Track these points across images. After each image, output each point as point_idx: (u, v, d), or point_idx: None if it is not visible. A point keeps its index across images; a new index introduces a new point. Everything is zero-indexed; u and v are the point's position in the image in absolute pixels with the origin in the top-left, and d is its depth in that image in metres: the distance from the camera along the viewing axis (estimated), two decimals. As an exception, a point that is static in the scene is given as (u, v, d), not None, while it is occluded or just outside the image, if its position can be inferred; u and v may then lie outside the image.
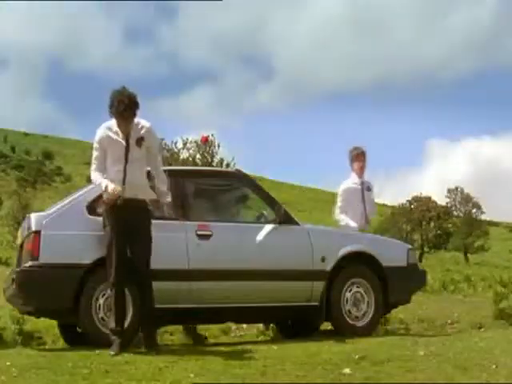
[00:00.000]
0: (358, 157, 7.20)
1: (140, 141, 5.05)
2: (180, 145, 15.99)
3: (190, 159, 15.22)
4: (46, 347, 6.68)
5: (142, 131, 5.08)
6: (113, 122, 5.08)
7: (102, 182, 5.01)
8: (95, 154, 5.13)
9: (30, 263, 5.26)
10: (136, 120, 5.08)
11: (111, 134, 5.05)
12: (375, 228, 33.33)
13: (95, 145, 5.14)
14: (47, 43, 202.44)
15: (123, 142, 5.02)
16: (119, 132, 5.04)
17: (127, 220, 4.99)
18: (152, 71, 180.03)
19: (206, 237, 5.68)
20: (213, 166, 14.33)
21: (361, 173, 7.18)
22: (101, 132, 5.11)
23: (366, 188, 7.18)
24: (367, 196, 7.18)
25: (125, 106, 4.90)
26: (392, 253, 6.46)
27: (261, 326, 7.63)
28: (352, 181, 7.19)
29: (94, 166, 5.13)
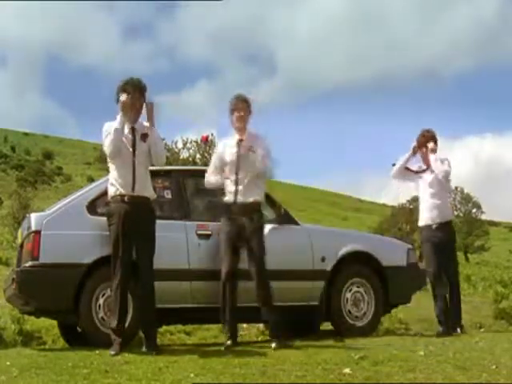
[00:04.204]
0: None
1: (144, 136, 5.09)
2: (180, 145, 16.06)
3: (190, 159, 15.26)
4: (46, 347, 6.68)
5: (146, 129, 5.13)
6: (117, 122, 5.12)
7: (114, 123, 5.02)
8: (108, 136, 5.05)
9: (30, 263, 5.26)
10: (140, 120, 5.15)
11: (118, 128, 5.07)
12: (375, 228, 33.33)
13: (106, 132, 5.07)
14: (46, 40, 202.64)
15: (130, 136, 5.06)
16: (126, 129, 5.08)
17: (133, 218, 4.98)
18: (152, 67, 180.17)
19: (206, 237, 5.69)
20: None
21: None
22: (108, 125, 5.11)
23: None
24: None
25: (135, 87, 5.04)
26: (392, 253, 6.47)
27: (261, 325, 7.63)
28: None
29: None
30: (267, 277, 5.29)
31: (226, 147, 5.45)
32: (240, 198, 5.27)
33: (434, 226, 6.53)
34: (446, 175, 6.54)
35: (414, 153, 6.66)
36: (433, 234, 6.54)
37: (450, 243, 6.59)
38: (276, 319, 5.36)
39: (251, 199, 5.29)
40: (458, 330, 6.33)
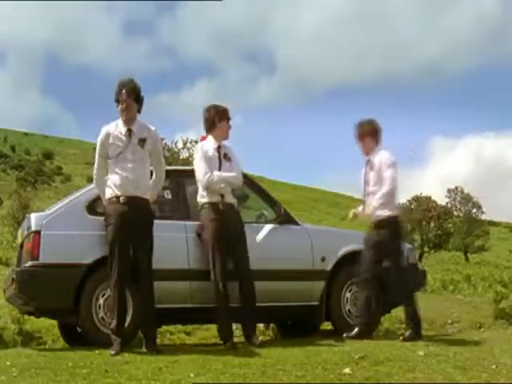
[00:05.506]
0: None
1: (142, 142, 5.09)
2: (180, 145, 16.05)
3: (190, 159, 15.25)
4: (46, 347, 6.69)
5: (146, 133, 5.15)
6: (115, 123, 5.16)
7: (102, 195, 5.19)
8: (97, 156, 5.20)
9: (29, 263, 5.27)
10: (141, 122, 5.17)
11: (114, 132, 5.11)
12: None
13: (98, 143, 5.17)
14: (46, 39, 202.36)
15: (125, 139, 5.07)
16: (122, 131, 5.10)
17: (130, 219, 5.00)
18: (152, 66, 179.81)
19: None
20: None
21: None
22: (104, 131, 5.16)
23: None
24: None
25: (128, 91, 5.07)
26: (392, 253, 6.45)
27: (261, 325, 7.63)
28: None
29: (96, 171, 5.24)
30: (252, 277, 5.45)
31: (207, 152, 5.56)
32: (226, 199, 5.50)
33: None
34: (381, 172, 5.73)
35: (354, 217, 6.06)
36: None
37: (380, 244, 5.78)
38: (256, 319, 5.71)
39: (233, 201, 5.57)
40: (356, 329, 5.70)
